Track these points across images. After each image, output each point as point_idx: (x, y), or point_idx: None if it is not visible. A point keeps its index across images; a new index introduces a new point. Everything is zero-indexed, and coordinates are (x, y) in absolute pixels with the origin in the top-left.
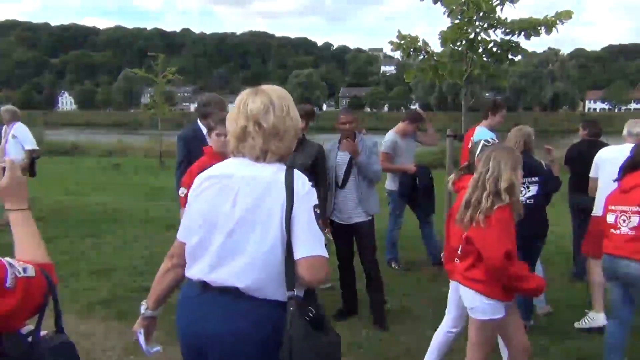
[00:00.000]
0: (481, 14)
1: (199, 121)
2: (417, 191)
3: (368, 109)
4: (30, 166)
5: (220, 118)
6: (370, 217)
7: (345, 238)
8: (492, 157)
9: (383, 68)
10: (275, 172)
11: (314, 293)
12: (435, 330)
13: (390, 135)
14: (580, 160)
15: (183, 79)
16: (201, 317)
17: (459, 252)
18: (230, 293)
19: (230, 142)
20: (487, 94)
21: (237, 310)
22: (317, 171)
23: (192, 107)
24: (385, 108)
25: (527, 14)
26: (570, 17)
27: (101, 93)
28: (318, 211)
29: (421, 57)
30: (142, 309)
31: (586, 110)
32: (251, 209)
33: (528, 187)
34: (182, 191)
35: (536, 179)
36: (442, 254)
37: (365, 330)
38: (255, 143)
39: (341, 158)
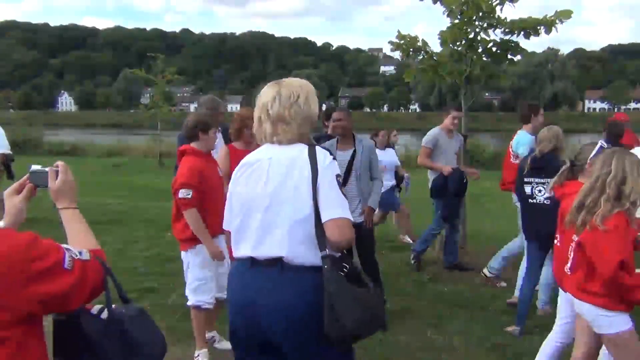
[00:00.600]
0: (481, 14)
1: None
2: (447, 193)
3: (368, 109)
4: (8, 169)
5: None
6: None
7: None
8: (614, 159)
9: (382, 68)
10: (299, 150)
11: (346, 253)
12: (436, 330)
13: (434, 130)
14: None
15: (183, 79)
16: (252, 290)
17: (569, 260)
18: (276, 265)
19: (255, 131)
20: (486, 94)
21: (283, 280)
22: None
23: (192, 107)
24: (385, 108)
25: (526, 13)
26: (570, 17)
27: (101, 94)
28: (340, 180)
29: (421, 57)
30: None
31: (586, 110)
32: (281, 183)
33: (547, 188)
34: (186, 193)
35: None
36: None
37: None
38: (265, 128)
39: (340, 158)
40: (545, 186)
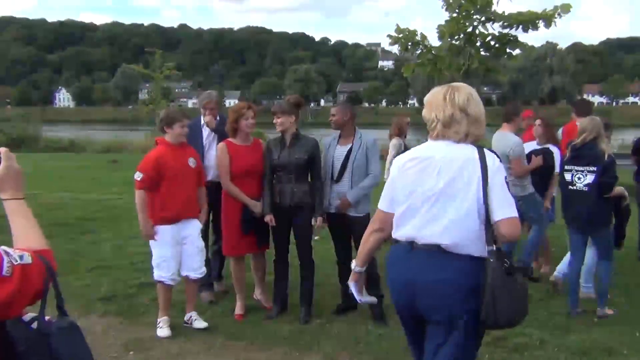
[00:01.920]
0: (479, 7)
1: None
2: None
3: (366, 104)
4: None
5: (182, 113)
6: (365, 213)
7: (342, 231)
8: None
9: (381, 63)
10: (470, 151)
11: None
12: None
13: (518, 139)
14: None
15: (181, 75)
16: (412, 270)
17: None
18: (434, 250)
19: (437, 127)
20: (484, 88)
21: (440, 263)
22: (313, 166)
23: (190, 102)
24: (384, 103)
25: (525, 7)
26: (569, 11)
27: (99, 89)
28: (507, 181)
29: (419, 51)
30: (353, 266)
31: None
32: (451, 181)
33: (586, 175)
34: (137, 175)
35: (594, 168)
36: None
37: (365, 325)
38: (460, 128)
39: (339, 152)
40: (584, 174)
